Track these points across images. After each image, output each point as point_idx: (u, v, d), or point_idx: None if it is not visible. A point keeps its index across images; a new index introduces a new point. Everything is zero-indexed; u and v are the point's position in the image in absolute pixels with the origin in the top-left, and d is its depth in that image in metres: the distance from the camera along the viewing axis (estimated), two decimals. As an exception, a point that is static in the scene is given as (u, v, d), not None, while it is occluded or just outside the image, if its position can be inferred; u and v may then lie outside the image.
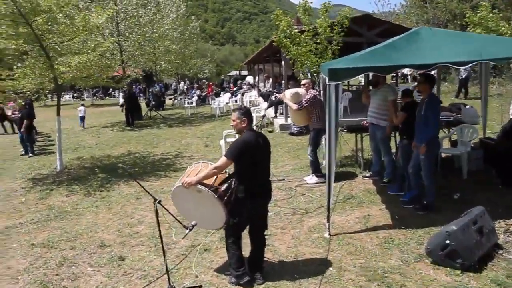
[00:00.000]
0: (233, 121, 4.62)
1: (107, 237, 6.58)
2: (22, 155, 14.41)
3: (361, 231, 6.01)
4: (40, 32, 10.35)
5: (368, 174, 8.72)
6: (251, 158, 4.44)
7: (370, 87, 9.11)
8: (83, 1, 20.31)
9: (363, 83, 21.15)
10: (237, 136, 4.77)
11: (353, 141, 9.78)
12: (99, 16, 11.08)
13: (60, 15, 10.52)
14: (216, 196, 4.45)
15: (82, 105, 21.69)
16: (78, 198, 8.87)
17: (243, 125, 4.56)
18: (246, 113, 4.61)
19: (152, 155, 12.88)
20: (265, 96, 19.92)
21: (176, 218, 4.69)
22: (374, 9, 77.08)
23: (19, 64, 11.55)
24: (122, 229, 6.84)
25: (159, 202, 4.31)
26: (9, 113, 19.98)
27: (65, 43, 11.15)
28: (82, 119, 20.91)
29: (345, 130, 9.45)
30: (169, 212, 4.58)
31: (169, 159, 12.25)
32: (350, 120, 12.05)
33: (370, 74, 7.98)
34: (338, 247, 5.53)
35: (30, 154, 14.27)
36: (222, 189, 4.53)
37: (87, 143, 15.64)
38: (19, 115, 15.21)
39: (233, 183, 4.60)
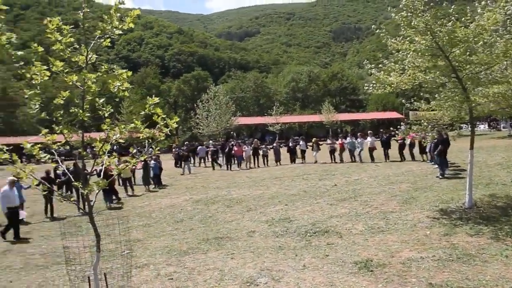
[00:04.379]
0: None
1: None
2: (437, 177, 15.92)
3: None
4: (456, 64, 10.13)
5: None
6: None
7: None
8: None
9: None
10: None
11: None
12: (524, 41, 9.93)
13: (480, 43, 10.00)
14: None
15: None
16: (484, 242, 8.07)
17: None
18: None
19: None
20: None
21: None
22: None
23: (436, 96, 11.68)
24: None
25: None
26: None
27: (482, 72, 10.55)
28: None
29: None
30: None
31: None
32: None
33: None
34: None
35: (440, 177, 15.78)
36: None
37: (500, 179, 14.34)
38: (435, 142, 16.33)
39: None
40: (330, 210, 12.22)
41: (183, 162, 27.98)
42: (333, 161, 26.41)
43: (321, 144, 28.72)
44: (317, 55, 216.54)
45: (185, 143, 39.53)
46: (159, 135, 4.73)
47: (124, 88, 4.48)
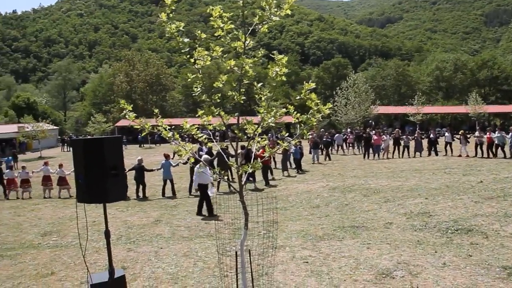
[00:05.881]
0: None
1: None
2: None
3: None
4: None
5: None
6: None
7: None
8: None
9: None
10: None
11: None
12: None
13: None
14: None
15: None
16: None
17: None
18: None
19: None
20: None
21: None
22: None
23: None
24: None
25: None
26: None
27: None
28: None
29: None
30: None
31: None
32: None
33: None
34: None
35: None
36: None
37: None
38: None
39: None
40: (475, 208, 11.36)
41: (312, 150, 27.43)
42: (477, 155, 24.53)
43: (469, 137, 26.74)
44: (465, 41, 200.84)
45: (321, 130, 39.60)
46: (312, 120, 4.83)
47: (281, 73, 4.64)
